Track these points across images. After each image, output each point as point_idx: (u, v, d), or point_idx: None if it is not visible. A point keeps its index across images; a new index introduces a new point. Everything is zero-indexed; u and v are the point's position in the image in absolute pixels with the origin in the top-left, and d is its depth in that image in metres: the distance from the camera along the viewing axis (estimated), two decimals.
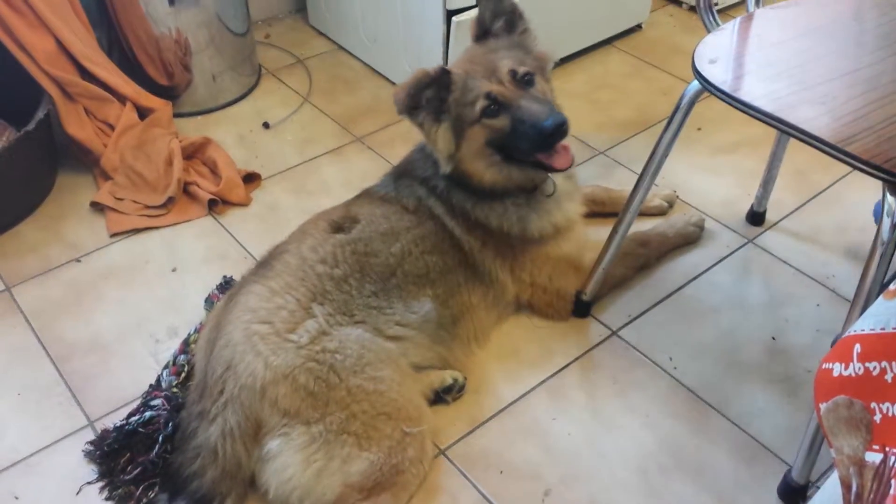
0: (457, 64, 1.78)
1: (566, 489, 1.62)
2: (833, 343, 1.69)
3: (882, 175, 1.30)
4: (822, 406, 1.06)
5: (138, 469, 1.60)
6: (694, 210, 2.26)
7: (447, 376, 1.77)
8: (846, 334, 1.06)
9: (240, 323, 1.61)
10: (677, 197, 2.29)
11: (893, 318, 1.01)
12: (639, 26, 3.09)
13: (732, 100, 1.45)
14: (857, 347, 1.02)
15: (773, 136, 2.05)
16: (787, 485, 1.58)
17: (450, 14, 2.43)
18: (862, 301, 1.39)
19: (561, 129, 1.66)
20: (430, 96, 1.69)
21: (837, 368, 1.04)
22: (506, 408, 1.77)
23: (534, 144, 1.70)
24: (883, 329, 1.01)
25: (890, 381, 0.99)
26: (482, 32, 1.82)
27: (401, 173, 1.91)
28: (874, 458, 0.99)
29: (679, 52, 2.94)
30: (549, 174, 1.82)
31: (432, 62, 2.52)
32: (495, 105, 1.70)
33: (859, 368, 1.01)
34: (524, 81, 1.74)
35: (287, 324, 1.60)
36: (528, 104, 1.70)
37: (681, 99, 1.63)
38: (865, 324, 1.03)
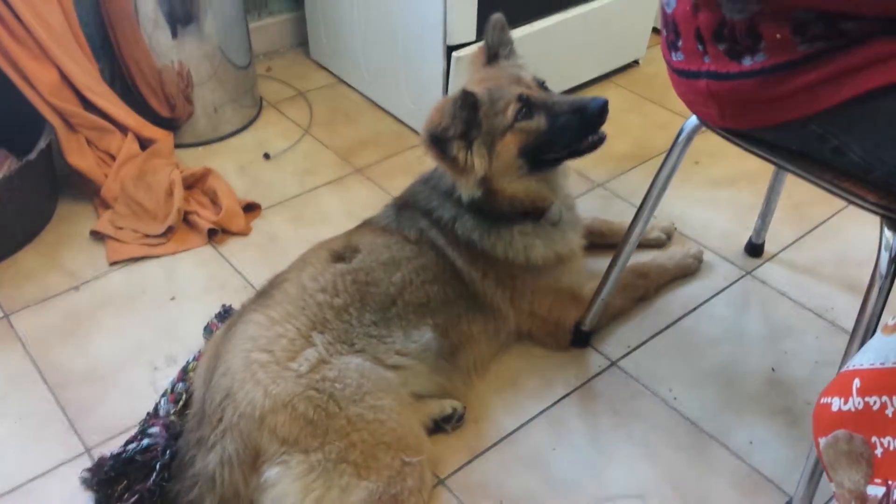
0: (470, 86, 1.78)
1: None
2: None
3: (879, 210, 1.31)
4: (822, 440, 1.06)
5: (135, 497, 1.58)
6: (692, 242, 2.27)
7: (447, 405, 1.77)
8: (845, 369, 1.06)
9: (239, 351, 1.61)
10: (675, 229, 2.31)
11: (892, 353, 1.02)
12: (636, 62, 3.13)
13: (731, 135, 1.46)
14: (857, 382, 1.02)
15: (771, 170, 2.07)
16: None
17: (450, 49, 2.45)
18: (861, 334, 1.40)
19: (605, 107, 1.68)
20: (464, 118, 1.66)
21: (836, 403, 1.04)
22: (505, 437, 1.77)
23: (578, 131, 1.72)
24: (882, 364, 1.02)
25: (891, 415, 0.99)
26: (493, 55, 1.85)
27: (403, 204, 1.92)
28: (876, 491, 0.99)
29: None
30: (555, 203, 1.86)
31: (433, 96, 2.56)
32: (528, 107, 1.71)
33: (859, 403, 1.01)
34: (546, 89, 1.78)
35: (287, 352, 1.59)
36: (561, 98, 1.73)
37: (679, 134, 1.64)
38: (864, 359, 1.04)
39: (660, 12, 1.45)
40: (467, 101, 1.66)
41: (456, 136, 1.66)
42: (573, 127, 1.71)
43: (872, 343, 1.07)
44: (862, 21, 1.16)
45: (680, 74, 1.42)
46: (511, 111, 1.70)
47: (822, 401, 1.09)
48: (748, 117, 1.35)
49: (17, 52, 2.19)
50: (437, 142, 1.67)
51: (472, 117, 1.68)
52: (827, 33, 1.19)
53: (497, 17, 1.85)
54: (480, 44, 1.89)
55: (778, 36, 1.21)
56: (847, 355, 1.44)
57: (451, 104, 1.65)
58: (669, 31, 1.41)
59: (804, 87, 1.23)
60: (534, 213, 1.84)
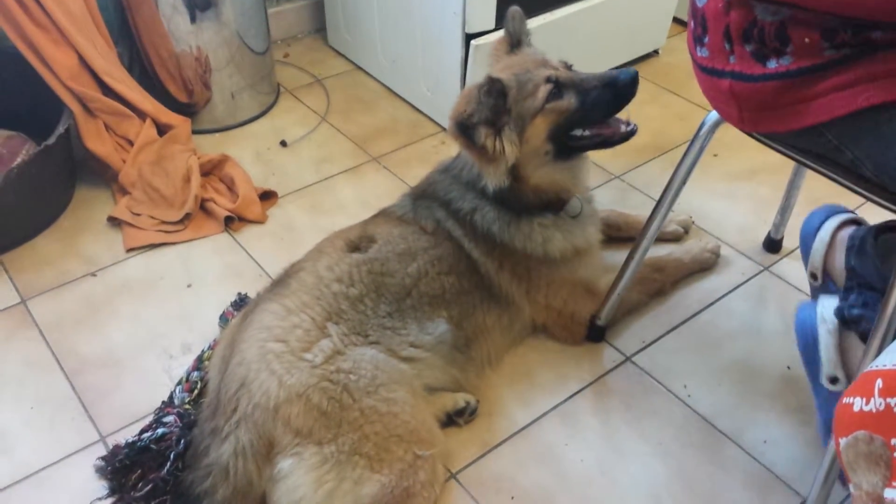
0: (496, 73, 1.76)
1: None
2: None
3: None
4: (842, 441, 1.05)
5: (149, 486, 1.59)
6: (710, 236, 2.26)
7: (460, 399, 1.77)
8: (868, 369, 1.05)
9: (254, 341, 1.61)
10: (693, 223, 2.29)
11: None
12: (655, 52, 3.10)
13: (752, 130, 1.44)
14: (879, 383, 1.01)
15: (791, 164, 2.05)
16: None
17: (469, 37, 2.44)
18: (881, 334, 1.38)
19: (636, 79, 1.68)
20: (490, 104, 1.65)
21: (858, 403, 1.03)
22: (518, 432, 1.77)
23: (609, 106, 1.72)
24: None
25: None
26: (516, 42, 1.84)
27: (420, 194, 1.92)
28: (893, 494, 0.98)
29: (695, 78, 2.94)
30: (576, 197, 1.87)
31: (451, 85, 2.55)
32: (557, 87, 1.70)
33: (880, 404, 1.00)
34: (569, 67, 1.78)
35: (302, 343, 1.60)
36: (589, 75, 1.72)
37: (700, 128, 1.62)
38: (888, 359, 1.03)
39: (689, 4, 1.43)
40: (493, 87, 1.65)
41: (482, 122, 1.65)
42: (604, 101, 1.71)
43: None
44: (890, 32, 1.15)
45: (704, 71, 1.41)
46: (542, 93, 1.69)
47: (844, 400, 1.07)
48: (766, 122, 1.34)
49: (37, 37, 2.19)
50: (465, 129, 1.66)
51: (500, 103, 1.67)
52: (855, 40, 1.17)
53: (514, 9, 1.85)
54: (500, 34, 1.88)
55: (806, 40, 1.20)
56: (866, 355, 1.43)
57: (476, 90, 1.64)
58: (697, 25, 1.39)
59: (822, 93, 1.22)
60: (555, 205, 1.84)
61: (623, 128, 1.76)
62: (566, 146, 1.76)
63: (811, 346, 1.60)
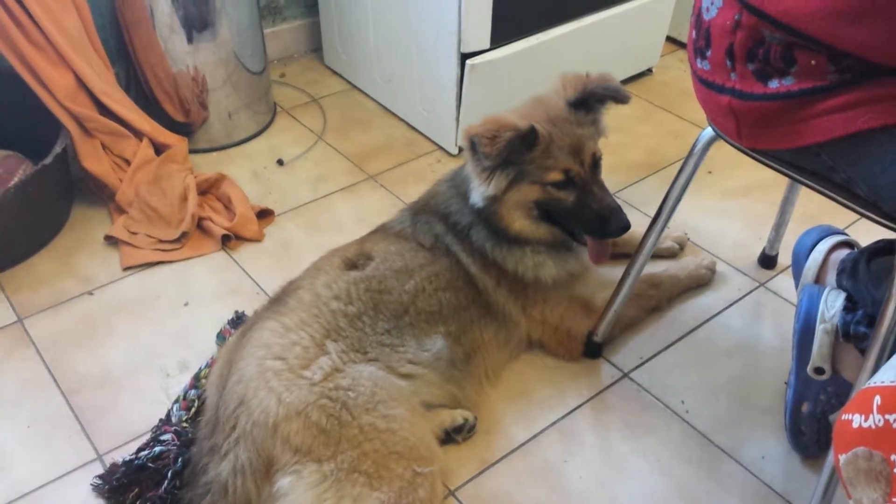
0: (540, 116, 1.75)
1: None
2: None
3: (891, 225, 1.31)
4: (842, 457, 1.05)
5: None
6: (705, 253, 2.27)
7: (458, 415, 1.77)
8: (866, 385, 1.06)
9: (253, 359, 1.61)
10: (688, 239, 2.30)
11: None
12: (649, 70, 3.13)
13: (747, 148, 1.45)
14: (877, 399, 1.02)
15: (785, 181, 2.06)
16: None
17: (464, 57, 2.45)
18: (876, 349, 1.39)
19: (622, 230, 1.74)
20: (512, 150, 1.70)
21: (857, 420, 1.04)
22: (517, 449, 1.76)
23: (587, 229, 1.79)
24: None
25: None
26: (580, 101, 1.80)
27: (420, 209, 1.93)
28: None
29: (689, 96, 2.95)
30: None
31: (446, 103, 2.56)
32: (567, 181, 1.74)
33: (879, 420, 1.01)
34: (596, 165, 1.79)
35: (301, 360, 1.60)
36: (600, 193, 1.77)
37: (694, 145, 1.63)
38: (886, 376, 1.03)
39: (693, 15, 1.43)
40: (527, 138, 1.69)
41: (494, 160, 1.69)
42: (587, 224, 1.78)
43: (894, 360, 1.07)
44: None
45: (703, 83, 1.41)
46: (550, 177, 1.74)
47: (842, 417, 1.08)
48: (765, 139, 1.35)
49: (34, 57, 2.20)
50: (473, 149, 1.71)
51: (520, 150, 1.71)
52: (860, 66, 1.18)
53: (610, 78, 1.83)
54: (581, 75, 1.83)
55: (813, 62, 1.21)
56: (862, 371, 1.43)
57: (513, 133, 1.67)
58: (700, 37, 1.39)
59: (822, 113, 1.22)
60: (547, 242, 1.87)
61: (591, 255, 1.85)
62: (549, 215, 1.81)
63: (808, 335, 1.66)
